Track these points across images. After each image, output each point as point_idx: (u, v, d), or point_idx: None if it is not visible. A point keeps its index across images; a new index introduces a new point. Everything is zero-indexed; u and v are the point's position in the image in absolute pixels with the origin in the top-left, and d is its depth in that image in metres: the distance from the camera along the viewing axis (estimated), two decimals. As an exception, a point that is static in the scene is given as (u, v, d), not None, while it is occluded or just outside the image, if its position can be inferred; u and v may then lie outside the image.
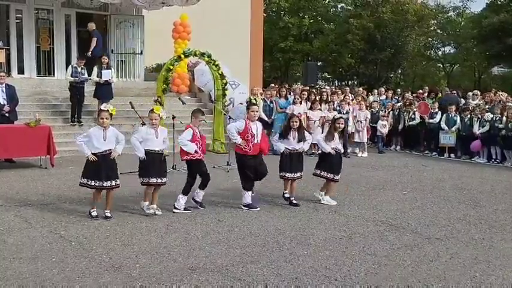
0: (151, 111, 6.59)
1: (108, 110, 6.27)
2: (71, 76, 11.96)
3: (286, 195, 7.23)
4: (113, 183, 6.26)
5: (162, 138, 6.57)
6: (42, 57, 15.07)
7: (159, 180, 6.51)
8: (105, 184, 6.19)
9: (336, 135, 7.37)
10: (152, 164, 6.49)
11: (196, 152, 6.64)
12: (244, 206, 6.92)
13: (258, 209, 6.87)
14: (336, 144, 7.39)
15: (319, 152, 7.84)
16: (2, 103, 9.85)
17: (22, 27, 14.66)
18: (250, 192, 7.00)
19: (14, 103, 10.11)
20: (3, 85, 9.98)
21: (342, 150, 7.55)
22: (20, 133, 9.40)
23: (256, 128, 6.99)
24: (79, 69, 12.03)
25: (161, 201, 6.68)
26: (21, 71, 14.62)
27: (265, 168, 7.07)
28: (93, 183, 6.19)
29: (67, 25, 15.50)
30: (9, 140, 9.19)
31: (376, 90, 17.16)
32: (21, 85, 12.47)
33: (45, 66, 15.14)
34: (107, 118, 6.21)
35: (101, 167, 6.18)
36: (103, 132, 6.21)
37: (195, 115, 6.85)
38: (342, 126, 7.39)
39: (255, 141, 6.92)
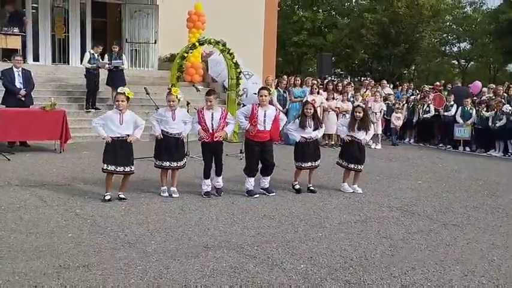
0: (169, 93, 6.56)
1: (124, 93, 6.20)
2: (89, 63, 11.99)
3: (297, 187, 7.12)
4: (127, 169, 6.21)
5: (181, 120, 6.52)
6: (57, 44, 15.15)
7: (173, 164, 6.49)
8: (118, 169, 6.16)
9: (356, 124, 7.22)
10: (165, 147, 6.49)
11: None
12: (246, 192, 6.84)
13: (257, 196, 6.71)
14: (356, 134, 7.25)
15: (341, 143, 7.79)
16: (18, 87, 9.90)
17: (38, 15, 14.76)
18: (252, 179, 6.83)
19: (30, 87, 10.18)
20: (20, 69, 10.04)
21: (364, 141, 7.33)
22: (35, 117, 9.47)
23: (265, 114, 6.73)
24: (96, 56, 12.07)
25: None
26: (36, 58, 14.72)
27: (269, 157, 6.82)
28: (109, 168, 6.16)
29: (82, 13, 15.56)
30: (24, 123, 9.27)
31: (385, 82, 16.97)
32: (37, 72, 12.53)
33: (60, 54, 15.22)
34: (123, 101, 6.16)
35: (117, 152, 6.15)
36: (119, 116, 6.18)
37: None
38: (360, 114, 7.26)
39: (262, 128, 6.70)
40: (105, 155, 6.19)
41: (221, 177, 6.80)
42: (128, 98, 6.25)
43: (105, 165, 6.16)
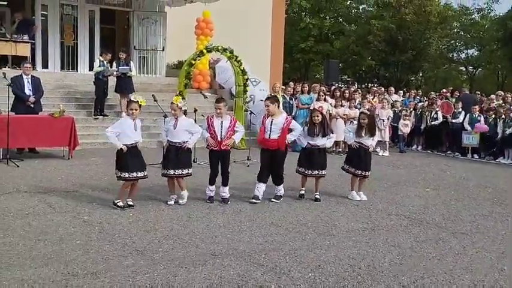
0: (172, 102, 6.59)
1: (138, 101, 6.24)
2: (99, 67, 12.06)
3: (301, 192, 7.11)
4: (140, 174, 6.22)
5: (184, 130, 6.49)
6: (66, 52, 15.27)
7: (178, 172, 6.45)
8: (133, 175, 6.16)
9: (363, 131, 7.21)
10: (168, 155, 6.51)
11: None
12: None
13: (255, 202, 6.71)
14: (364, 140, 7.23)
15: (347, 149, 7.76)
16: (27, 94, 9.98)
17: (47, 23, 14.90)
18: (261, 184, 6.85)
19: (39, 94, 10.24)
20: (29, 76, 10.12)
21: (370, 148, 7.33)
22: (43, 123, 9.52)
23: (271, 122, 6.74)
24: (105, 63, 12.15)
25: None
26: (45, 65, 14.83)
27: (275, 167, 6.82)
28: (127, 175, 6.15)
29: (91, 21, 15.67)
30: (33, 130, 9.31)
31: (392, 89, 16.93)
32: (45, 79, 12.62)
33: (69, 61, 15.34)
34: (136, 109, 6.20)
35: (132, 159, 6.18)
36: (133, 123, 6.23)
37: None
38: (365, 121, 7.25)
39: (267, 136, 6.74)
40: (119, 163, 6.20)
41: (227, 187, 6.76)
42: (140, 106, 6.29)
43: (122, 172, 6.16)
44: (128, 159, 6.15)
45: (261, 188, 6.86)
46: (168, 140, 6.51)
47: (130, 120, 6.24)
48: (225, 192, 6.75)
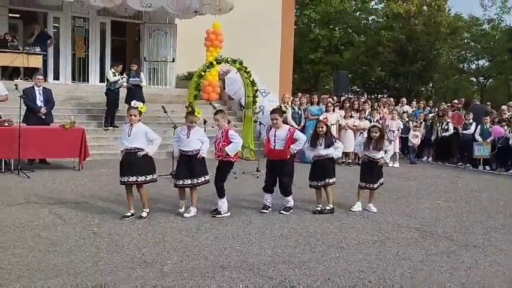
0: (191, 113, 6.62)
1: (137, 108, 6.26)
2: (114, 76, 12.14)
3: (318, 208, 7.02)
4: (131, 179, 6.11)
5: (196, 138, 6.49)
6: (77, 63, 15.44)
7: (187, 182, 6.44)
8: (124, 179, 6.16)
9: (372, 144, 7.17)
10: (179, 165, 6.53)
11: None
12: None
13: (266, 211, 6.78)
14: (372, 153, 7.18)
15: (358, 161, 7.73)
16: (39, 105, 10.08)
17: (59, 35, 15.10)
18: (268, 195, 6.92)
19: (50, 105, 10.34)
20: (41, 88, 10.23)
21: (381, 161, 7.23)
22: (54, 134, 9.60)
23: (275, 134, 6.81)
24: (117, 74, 12.25)
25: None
26: (56, 77, 15.00)
27: (282, 176, 6.84)
28: (120, 180, 6.22)
29: (102, 33, 15.87)
30: (44, 141, 9.40)
31: (404, 100, 16.87)
32: (57, 90, 12.74)
33: (80, 73, 15.51)
34: (135, 115, 6.20)
35: (126, 163, 6.19)
36: (128, 128, 6.22)
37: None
38: (376, 135, 7.21)
39: (271, 147, 6.84)
40: (120, 168, 6.27)
41: (221, 199, 6.58)
42: (140, 112, 6.29)
43: (120, 178, 6.23)
44: (123, 164, 6.21)
45: (268, 198, 6.94)
46: (180, 150, 6.51)
47: (126, 126, 6.29)
48: (218, 204, 6.60)
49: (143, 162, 6.20)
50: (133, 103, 6.38)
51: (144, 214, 6.25)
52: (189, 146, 6.47)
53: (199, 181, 6.47)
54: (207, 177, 6.55)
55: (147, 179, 6.24)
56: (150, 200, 6.57)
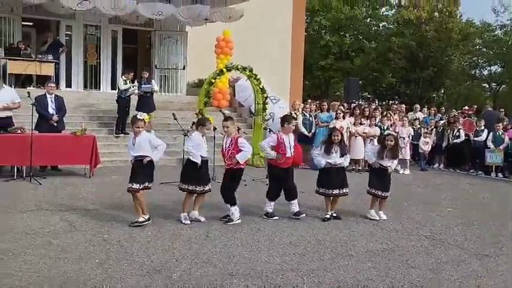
0: (208, 120, 6.74)
1: (143, 119, 6.35)
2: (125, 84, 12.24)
3: (327, 216, 7.01)
4: (134, 186, 6.17)
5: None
6: (89, 71, 15.60)
7: (198, 188, 6.51)
8: (128, 186, 6.24)
9: (386, 152, 7.13)
10: (191, 171, 6.55)
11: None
12: (264, 214, 6.93)
13: (276, 218, 6.84)
14: (385, 161, 7.15)
15: (368, 168, 7.71)
16: (51, 113, 10.19)
17: (71, 43, 15.28)
18: (273, 203, 6.97)
19: (62, 113, 10.44)
20: (53, 96, 10.34)
21: (389, 169, 7.20)
22: (66, 141, 9.69)
23: (289, 141, 6.92)
24: (128, 82, 12.35)
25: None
26: (68, 84, 15.17)
27: (290, 180, 6.95)
28: (128, 186, 6.29)
29: (113, 41, 16.02)
30: (55, 148, 9.49)
31: (418, 106, 16.80)
32: (68, 98, 12.88)
33: (92, 80, 15.66)
34: (142, 127, 6.28)
35: (133, 171, 6.29)
36: (132, 139, 6.32)
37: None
38: (391, 143, 7.17)
39: (287, 155, 6.88)
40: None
41: (232, 207, 6.58)
42: (145, 123, 6.40)
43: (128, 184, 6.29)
44: (131, 171, 6.30)
45: (272, 205, 7.00)
46: (200, 156, 6.53)
47: (130, 137, 6.40)
48: (231, 210, 6.59)
49: (143, 170, 6.28)
50: (140, 115, 6.42)
51: (140, 219, 6.27)
52: (204, 152, 6.60)
53: (202, 189, 6.55)
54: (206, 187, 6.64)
55: (140, 187, 6.26)
56: (157, 207, 6.61)
